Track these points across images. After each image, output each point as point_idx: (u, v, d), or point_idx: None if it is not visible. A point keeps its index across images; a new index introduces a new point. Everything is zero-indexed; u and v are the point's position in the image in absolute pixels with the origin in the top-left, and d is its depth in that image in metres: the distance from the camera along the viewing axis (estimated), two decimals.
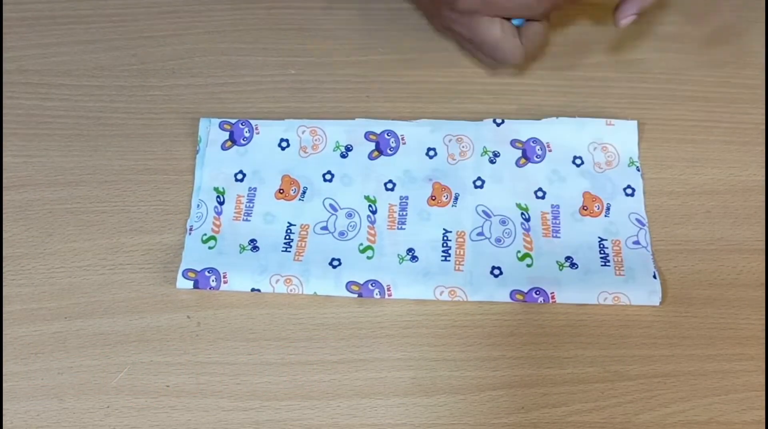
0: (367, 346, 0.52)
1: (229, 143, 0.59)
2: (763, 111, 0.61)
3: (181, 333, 0.52)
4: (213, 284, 0.53)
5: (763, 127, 0.61)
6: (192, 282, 0.53)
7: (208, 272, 0.53)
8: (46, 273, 0.54)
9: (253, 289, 0.53)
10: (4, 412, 0.49)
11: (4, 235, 0.55)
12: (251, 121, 0.60)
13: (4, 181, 0.58)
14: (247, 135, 0.59)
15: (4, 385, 0.50)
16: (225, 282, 0.53)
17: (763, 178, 0.58)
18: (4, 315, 0.52)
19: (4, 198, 0.57)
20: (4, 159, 0.59)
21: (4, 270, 0.54)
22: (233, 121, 0.59)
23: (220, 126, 0.59)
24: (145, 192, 0.57)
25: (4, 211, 0.56)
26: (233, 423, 0.49)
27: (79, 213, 0.56)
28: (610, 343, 0.52)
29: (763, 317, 0.53)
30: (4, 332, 0.52)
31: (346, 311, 0.53)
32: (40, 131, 0.60)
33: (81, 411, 0.49)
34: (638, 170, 0.58)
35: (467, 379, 0.50)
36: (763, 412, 0.49)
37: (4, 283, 0.54)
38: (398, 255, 0.55)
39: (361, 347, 0.52)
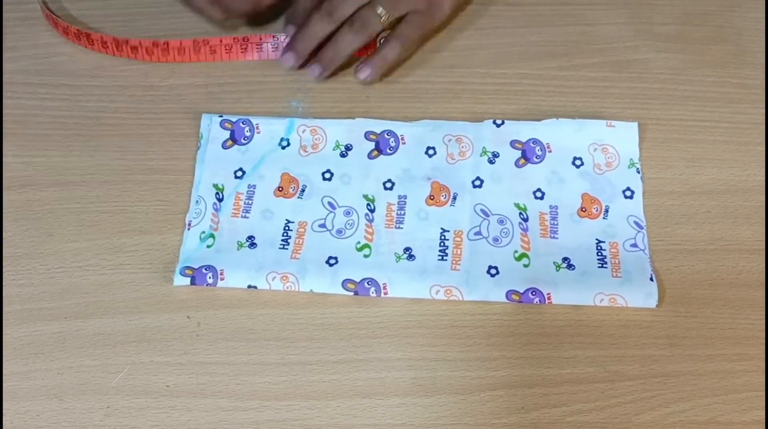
0: (367, 346, 0.52)
1: (230, 142, 0.59)
2: (763, 111, 0.61)
3: (181, 333, 0.52)
4: (210, 281, 0.53)
5: (763, 127, 0.61)
6: (189, 279, 0.53)
7: (205, 269, 0.53)
8: (46, 273, 0.54)
9: (249, 286, 0.53)
10: (4, 412, 0.49)
11: (4, 235, 0.55)
12: (252, 119, 0.60)
13: (4, 181, 0.58)
14: (248, 134, 0.59)
15: (4, 385, 0.50)
16: (222, 279, 0.53)
17: (763, 178, 0.58)
18: (4, 315, 0.52)
19: (4, 198, 0.57)
20: (4, 159, 0.59)
21: (4, 270, 0.54)
22: (234, 119, 0.59)
23: (221, 125, 0.59)
24: (145, 192, 0.57)
25: (4, 211, 0.56)
26: (233, 423, 0.49)
27: (79, 213, 0.56)
28: (609, 344, 0.52)
29: (763, 317, 0.52)
30: (4, 332, 0.52)
31: (345, 311, 0.53)
32: (40, 131, 0.60)
33: (81, 411, 0.49)
34: (638, 172, 0.58)
35: (467, 379, 0.50)
36: (763, 412, 0.49)
37: (4, 283, 0.54)
38: (395, 253, 0.55)
39: (361, 347, 0.52)
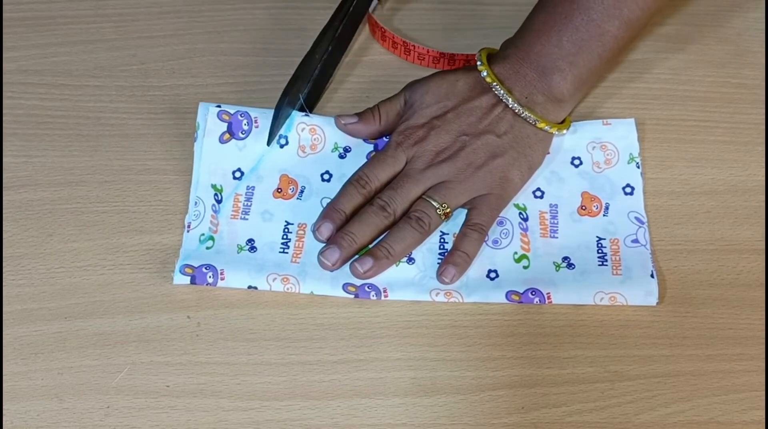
0: (367, 346, 0.52)
1: (228, 136, 0.58)
2: (763, 111, 0.61)
3: (181, 333, 0.52)
4: (210, 280, 0.53)
5: (763, 127, 0.61)
6: (189, 277, 0.53)
7: (206, 268, 0.53)
8: (46, 273, 0.54)
9: (249, 287, 0.53)
10: (4, 412, 0.49)
11: (4, 235, 0.55)
12: (250, 111, 0.59)
13: (4, 181, 0.58)
14: (245, 127, 0.59)
15: (4, 385, 0.50)
16: (222, 279, 0.53)
17: (763, 178, 0.58)
18: (4, 315, 0.52)
19: (4, 198, 0.57)
20: (4, 159, 0.59)
21: (4, 270, 0.54)
22: (232, 110, 0.58)
23: (219, 116, 0.58)
24: (145, 192, 0.57)
25: (4, 211, 0.56)
26: (233, 423, 0.49)
27: (79, 213, 0.56)
28: (609, 344, 0.52)
29: (763, 317, 0.53)
30: (4, 332, 0.52)
31: (345, 311, 0.53)
32: (40, 131, 0.60)
33: (81, 411, 0.49)
34: (638, 167, 0.58)
35: (467, 379, 0.50)
36: (763, 412, 0.49)
37: (4, 283, 0.54)
38: None
39: (361, 347, 0.52)
